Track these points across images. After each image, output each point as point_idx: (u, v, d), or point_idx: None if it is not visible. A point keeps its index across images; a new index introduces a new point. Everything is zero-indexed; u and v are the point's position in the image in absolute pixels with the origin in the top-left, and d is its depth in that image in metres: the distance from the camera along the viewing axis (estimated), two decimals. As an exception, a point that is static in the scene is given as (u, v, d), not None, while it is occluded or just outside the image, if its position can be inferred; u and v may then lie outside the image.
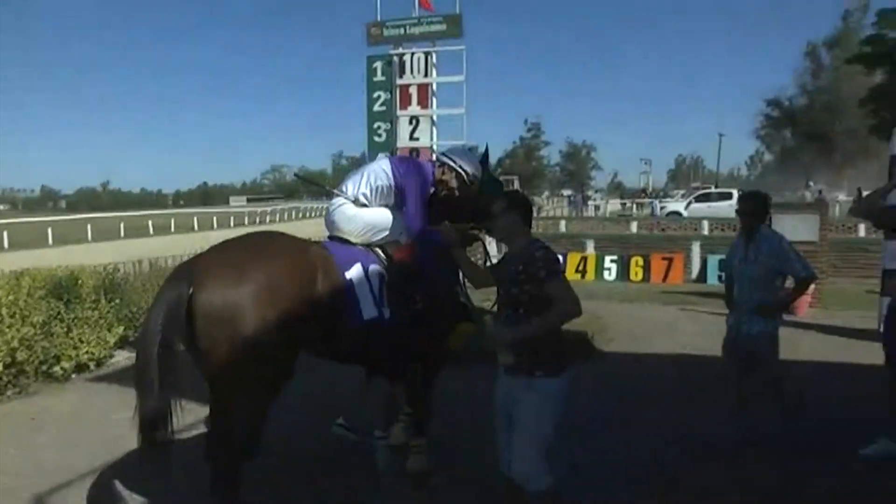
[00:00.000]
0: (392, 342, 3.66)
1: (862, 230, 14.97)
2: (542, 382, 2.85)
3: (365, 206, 3.79)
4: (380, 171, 3.85)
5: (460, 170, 3.85)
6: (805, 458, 4.07)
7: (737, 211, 4.37)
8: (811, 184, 26.26)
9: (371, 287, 3.52)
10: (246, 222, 36.23)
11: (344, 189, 3.84)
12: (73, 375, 6.37)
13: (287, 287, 3.14)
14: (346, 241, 3.74)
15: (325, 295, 3.33)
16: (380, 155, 4.56)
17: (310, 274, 3.30)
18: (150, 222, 31.18)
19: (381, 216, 3.81)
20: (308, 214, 44.89)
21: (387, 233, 3.80)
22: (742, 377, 4.34)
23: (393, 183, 3.80)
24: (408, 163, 4.09)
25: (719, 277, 11.89)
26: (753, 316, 4.16)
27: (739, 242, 4.35)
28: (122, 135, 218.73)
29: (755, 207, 4.28)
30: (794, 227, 9.18)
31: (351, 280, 3.45)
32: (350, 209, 3.79)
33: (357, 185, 3.82)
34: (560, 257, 12.49)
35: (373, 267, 3.59)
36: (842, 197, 33.55)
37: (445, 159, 3.90)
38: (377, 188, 3.80)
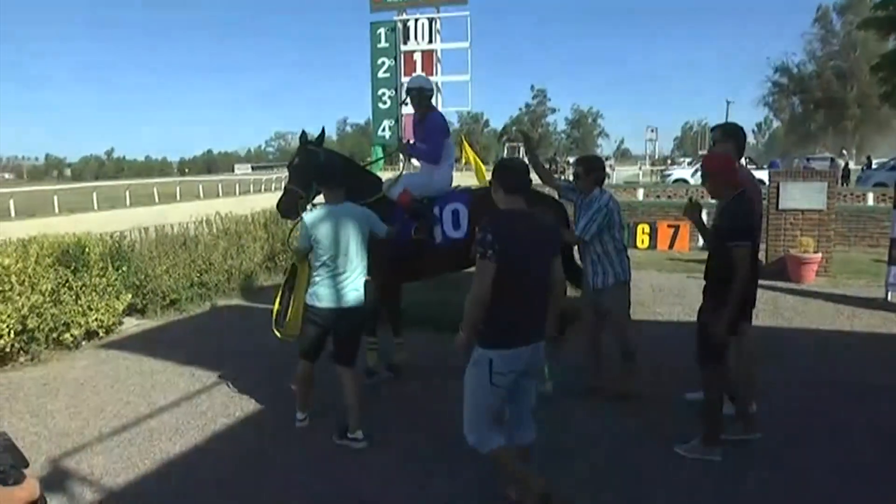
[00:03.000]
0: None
1: (871, 199, 14.83)
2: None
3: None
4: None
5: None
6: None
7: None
8: (844, 152, 25.65)
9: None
10: (251, 190, 36.10)
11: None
12: (83, 342, 6.45)
13: None
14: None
15: None
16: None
17: None
18: (155, 190, 31.14)
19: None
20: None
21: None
22: (595, 327, 4.69)
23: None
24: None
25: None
26: (598, 270, 4.54)
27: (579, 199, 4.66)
28: (127, 102, 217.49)
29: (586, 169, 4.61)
30: (801, 195, 9.13)
31: None
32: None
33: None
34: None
35: None
36: (852, 165, 33.15)
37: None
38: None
